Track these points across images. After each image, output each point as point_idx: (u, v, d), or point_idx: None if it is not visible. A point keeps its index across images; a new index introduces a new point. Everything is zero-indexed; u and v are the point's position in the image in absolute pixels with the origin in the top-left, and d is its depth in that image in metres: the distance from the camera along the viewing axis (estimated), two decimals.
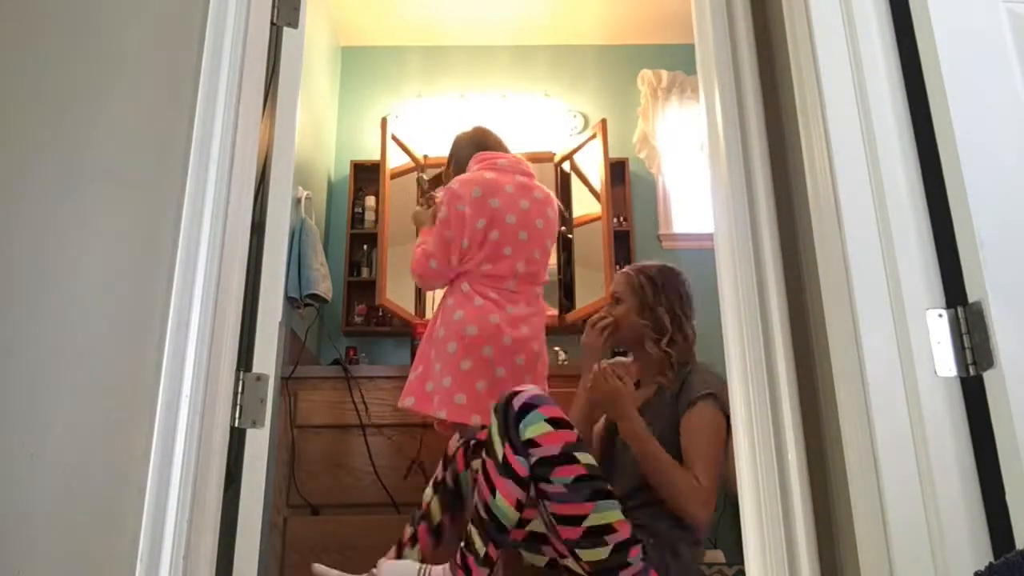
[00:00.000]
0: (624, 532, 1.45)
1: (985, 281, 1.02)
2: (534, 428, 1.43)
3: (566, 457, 1.43)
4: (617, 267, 3.35)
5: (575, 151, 3.50)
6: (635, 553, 1.45)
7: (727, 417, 1.59)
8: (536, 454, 1.43)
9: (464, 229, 2.13)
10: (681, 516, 1.55)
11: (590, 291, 3.26)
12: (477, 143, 2.34)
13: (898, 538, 1.03)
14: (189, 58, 1.32)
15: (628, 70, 3.73)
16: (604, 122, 3.38)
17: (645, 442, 1.59)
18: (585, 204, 3.39)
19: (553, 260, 2.99)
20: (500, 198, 2.16)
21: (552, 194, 2.35)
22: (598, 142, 3.37)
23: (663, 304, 1.78)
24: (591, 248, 3.32)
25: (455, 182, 2.20)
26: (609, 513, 1.45)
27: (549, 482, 1.43)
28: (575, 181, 3.46)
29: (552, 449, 1.43)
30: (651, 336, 1.76)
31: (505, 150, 2.36)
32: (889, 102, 1.18)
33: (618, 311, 1.84)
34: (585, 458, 1.45)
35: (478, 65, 3.73)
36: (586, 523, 1.43)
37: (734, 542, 1.66)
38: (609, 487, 1.48)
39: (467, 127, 2.46)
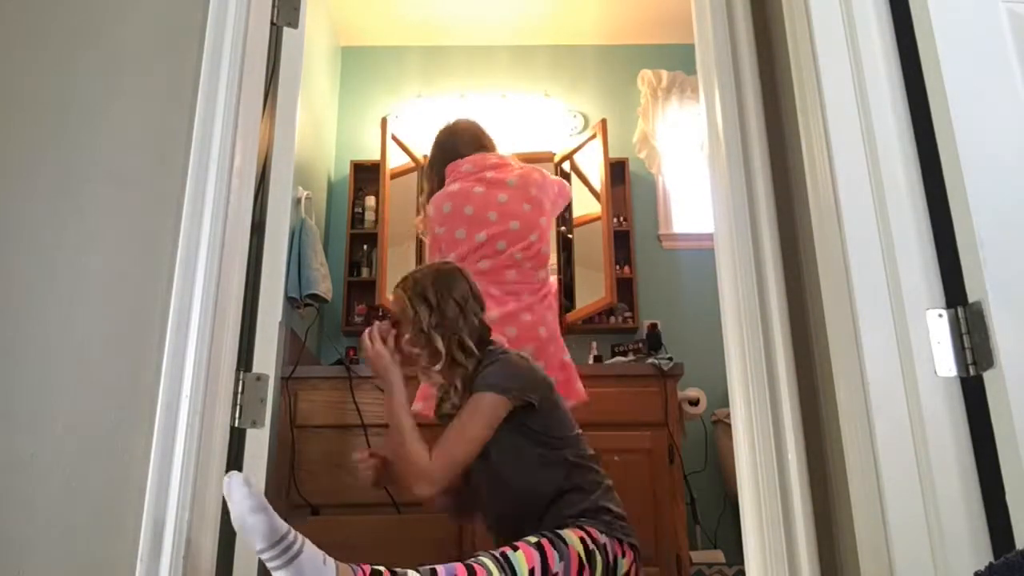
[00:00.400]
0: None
1: (985, 281, 1.02)
2: (520, 560, 1.36)
3: (539, 550, 1.38)
4: (617, 267, 3.36)
5: (575, 151, 3.50)
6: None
7: (507, 395, 1.56)
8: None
9: (447, 246, 2.18)
10: (408, 488, 1.56)
11: (590, 291, 3.26)
12: (444, 157, 2.35)
13: (898, 538, 1.03)
14: (189, 58, 1.32)
15: (628, 70, 3.73)
16: (604, 122, 3.38)
17: (398, 415, 1.59)
18: (585, 204, 3.39)
19: (553, 260, 2.99)
20: (472, 203, 2.19)
21: (530, 168, 2.30)
22: (598, 142, 3.37)
23: (439, 324, 1.66)
24: (591, 248, 3.32)
25: (429, 206, 2.27)
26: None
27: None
28: (575, 181, 3.46)
29: (535, 559, 1.37)
30: (425, 364, 1.70)
31: (476, 141, 2.34)
32: (889, 102, 1.18)
33: (409, 343, 1.72)
34: (529, 537, 1.42)
35: (478, 65, 3.73)
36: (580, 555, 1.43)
37: (734, 542, 1.66)
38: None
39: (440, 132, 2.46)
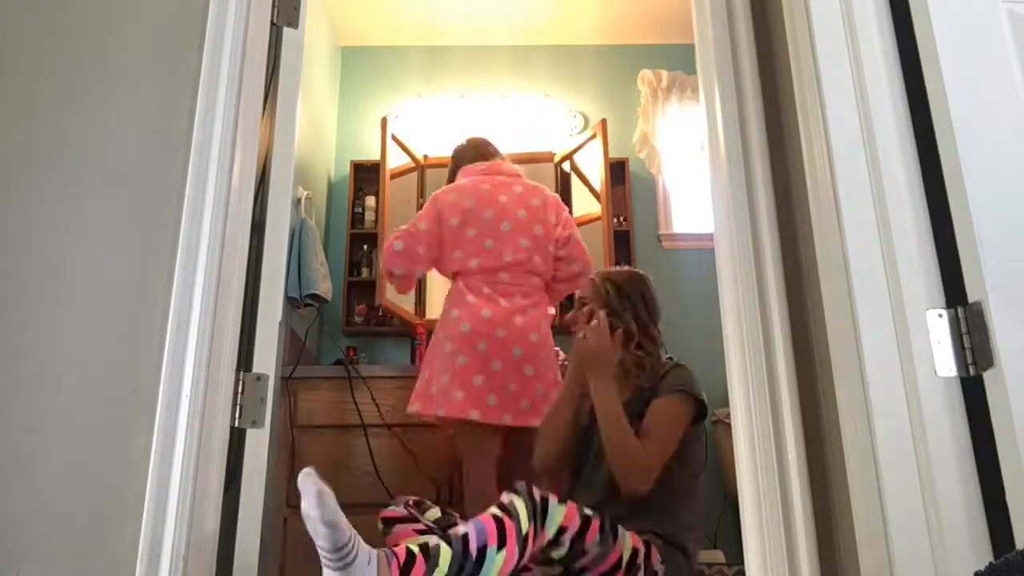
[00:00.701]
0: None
1: (985, 281, 1.02)
2: (558, 514, 1.40)
3: (585, 522, 1.42)
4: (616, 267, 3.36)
5: (575, 151, 3.50)
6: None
7: (701, 406, 1.68)
8: (567, 538, 1.41)
9: (433, 224, 2.23)
10: (621, 482, 1.59)
11: None
12: (458, 161, 2.44)
13: (898, 538, 1.03)
14: (189, 58, 1.32)
15: (628, 70, 3.73)
16: (604, 122, 3.38)
17: (611, 403, 1.63)
18: (585, 204, 3.39)
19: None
20: (475, 197, 2.26)
21: (542, 187, 2.40)
22: (598, 142, 3.37)
23: (629, 310, 1.81)
24: (591, 248, 3.27)
25: (442, 195, 2.33)
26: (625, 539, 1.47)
27: (585, 553, 1.42)
28: (575, 181, 3.46)
29: (574, 523, 1.41)
30: (618, 341, 1.76)
31: (493, 156, 2.43)
32: (889, 102, 1.18)
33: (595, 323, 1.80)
34: (586, 509, 1.46)
35: (478, 65, 3.73)
36: (623, 557, 1.46)
37: (734, 542, 1.66)
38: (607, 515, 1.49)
39: (467, 129, 2.52)
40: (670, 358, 1.85)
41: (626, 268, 1.97)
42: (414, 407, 2.15)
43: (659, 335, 1.84)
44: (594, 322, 1.70)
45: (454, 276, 2.25)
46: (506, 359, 2.08)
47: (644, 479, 1.57)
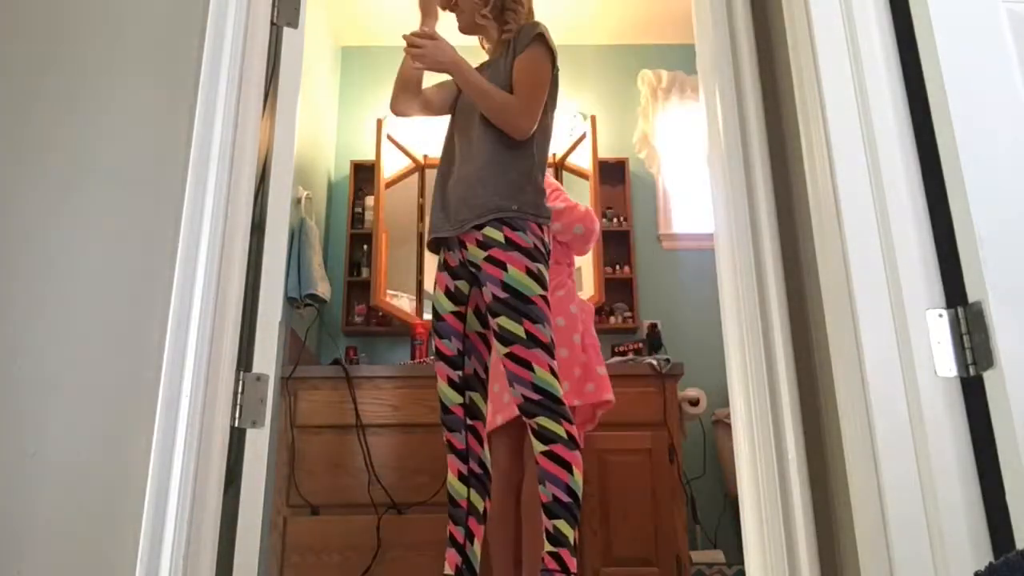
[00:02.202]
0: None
1: (985, 281, 1.02)
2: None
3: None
4: (617, 268, 3.35)
5: (571, 150, 3.51)
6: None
7: (552, 54, 1.73)
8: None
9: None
10: (505, 130, 1.66)
11: (585, 292, 3.26)
12: None
13: (898, 538, 1.03)
14: (189, 58, 1.32)
15: (628, 70, 3.73)
16: (593, 119, 3.38)
17: (478, 81, 1.71)
18: (584, 203, 3.39)
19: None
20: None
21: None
22: (588, 140, 3.38)
23: None
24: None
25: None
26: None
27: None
28: (572, 179, 3.46)
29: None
30: (479, 6, 1.84)
31: None
32: (889, 102, 1.18)
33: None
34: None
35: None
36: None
37: (734, 542, 1.66)
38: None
39: None
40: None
41: None
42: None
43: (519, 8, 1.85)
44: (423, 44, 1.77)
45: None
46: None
47: (527, 116, 1.65)
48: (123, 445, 1.14)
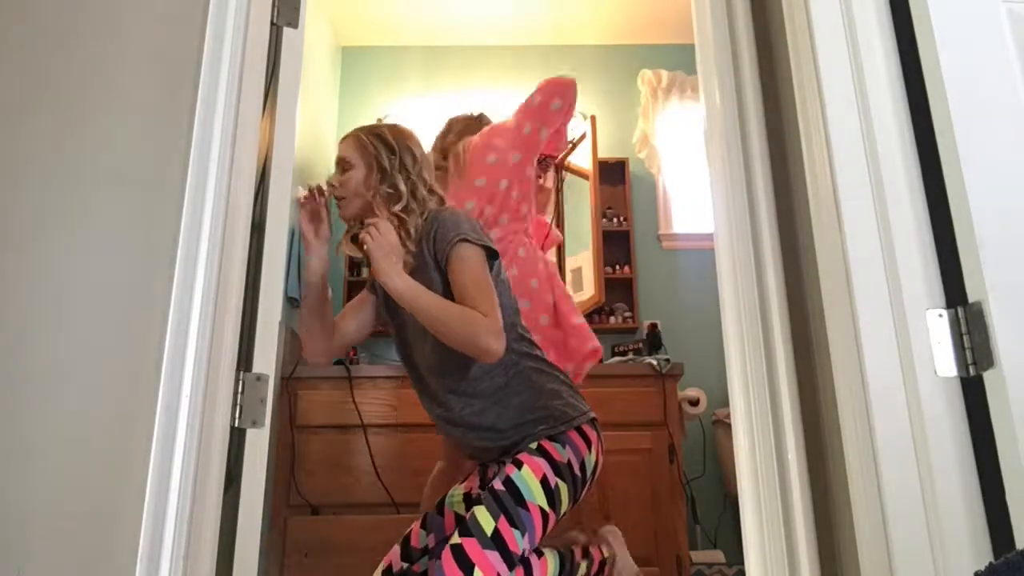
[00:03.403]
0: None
1: (985, 281, 1.02)
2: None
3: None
4: (617, 267, 3.35)
5: (571, 150, 3.50)
6: None
7: (484, 247, 1.48)
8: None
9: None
10: (478, 357, 1.40)
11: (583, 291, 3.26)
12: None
13: (898, 538, 1.03)
14: (189, 58, 1.31)
15: (628, 70, 3.73)
16: (593, 119, 3.38)
17: (416, 296, 1.41)
18: (584, 203, 3.38)
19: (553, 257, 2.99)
20: None
21: (492, 129, 2.28)
22: (588, 139, 3.38)
23: (399, 168, 1.61)
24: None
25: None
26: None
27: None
28: (576, 180, 3.46)
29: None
30: (384, 204, 1.60)
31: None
32: (889, 102, 1.18)
33: (348, 178, 1.67)
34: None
35: (478, 65, 3.73)
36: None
37: (734, 542, 1.66)
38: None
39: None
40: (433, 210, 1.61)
41: (390, 122, 1.77)
42: None
43: (426, 192, 1.61)
44: (373, 231, 1.48)
45: None
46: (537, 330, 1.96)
47: (494, 333, 1.36)
48: (123, 445, 1.14)
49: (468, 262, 1.45)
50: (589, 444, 1.43)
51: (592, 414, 1.48)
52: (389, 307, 1.64)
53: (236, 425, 1.28)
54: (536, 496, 1.32)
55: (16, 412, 1.16)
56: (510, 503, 1.30)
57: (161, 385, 1.15)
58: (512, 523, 1.28)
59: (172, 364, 1.16)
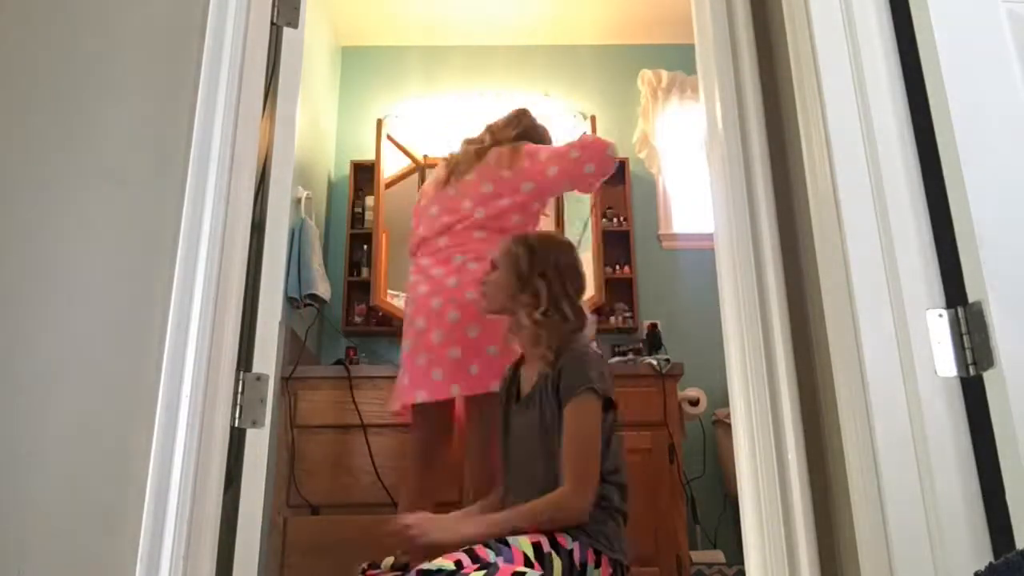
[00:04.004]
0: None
1: (985, 281, 1.02)
2: None
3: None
4: (617, 267, 3.35)
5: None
6: None
7: (608, 399, 1.53)
8: None
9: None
10: (570, 521, 1.45)
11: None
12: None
13: (898, 538, 1.03)
14: (189, 58, 1.31)
15: (628, 70, 3.73)
16: (593, 119, 3.38)
17: (501, 528, 1.44)
18: (583, 203, 3.39)
19: None
20: (430, 178, 2.27)
21: (501, 150, 2.20)
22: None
23: (540, 277, 1.64)
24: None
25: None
26: None
27: None
28: None
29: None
30: (523, 307, 1.64)
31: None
32: (889, 102, 1.18)
33: (492, 278, 1.74)
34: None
35: (478, 65, 3.73)
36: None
37: (734, 542, 1.66)
38: None
39: (467, 129, 2.42)
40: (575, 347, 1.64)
41: (548, 232, 1.79)
42: (393, 406, 2.07)
43: (573, 313, 1.64)
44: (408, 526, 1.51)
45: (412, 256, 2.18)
46: (443, 327, 1.92)
47: (582, 496, 1.45)
48: (123, 445, 1.14)
49: (582, 418, 1.50)
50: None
51: (625, 562, 1.50)
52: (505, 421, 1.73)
53: (236, 425, 1.28)
54: (522, 545, 1.37)
55: (16, 412, 1.16)
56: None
57: (161, 385, 1.15)
58: (487, 546, 1.34)
59: (172, 364, 1.16)
